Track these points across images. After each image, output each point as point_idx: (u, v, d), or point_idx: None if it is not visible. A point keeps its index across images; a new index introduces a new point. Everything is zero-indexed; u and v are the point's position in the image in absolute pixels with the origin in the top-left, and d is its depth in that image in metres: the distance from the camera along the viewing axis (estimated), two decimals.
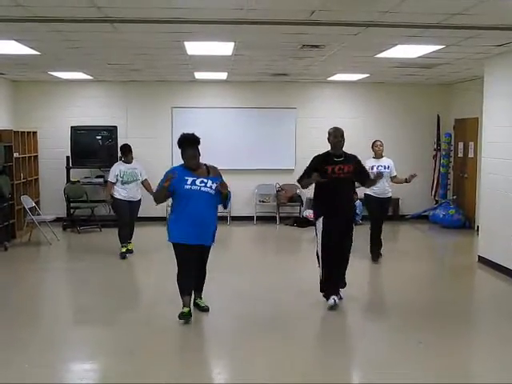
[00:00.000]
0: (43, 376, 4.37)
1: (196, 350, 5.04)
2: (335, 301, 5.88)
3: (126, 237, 8.44)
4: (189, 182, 5.30)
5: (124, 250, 8.35)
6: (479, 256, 8.23)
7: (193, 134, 5.39)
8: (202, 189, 5.31)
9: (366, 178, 6.28)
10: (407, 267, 7.85)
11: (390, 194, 8.25)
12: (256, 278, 7.36)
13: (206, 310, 5.78)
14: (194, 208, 5.29)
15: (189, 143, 5.35)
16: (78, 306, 6.44)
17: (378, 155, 8.24)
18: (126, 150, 8.48)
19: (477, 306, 6.67)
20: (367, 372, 4.60)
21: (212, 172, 5.47)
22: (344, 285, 6.17)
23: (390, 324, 5.66)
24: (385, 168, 8.06)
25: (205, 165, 5.49)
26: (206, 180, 5.35)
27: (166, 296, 6.16)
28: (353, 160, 6.05)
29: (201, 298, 5.87)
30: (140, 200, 8.52)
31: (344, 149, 6.03)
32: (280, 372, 4.44)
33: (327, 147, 6.05)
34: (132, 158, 8.49)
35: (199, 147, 5.40)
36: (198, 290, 5.84)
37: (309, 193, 11.47)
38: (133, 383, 4.26)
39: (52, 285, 7.43)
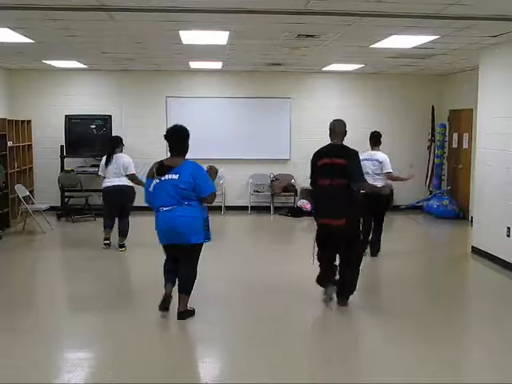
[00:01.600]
0: (38, 364, 4.38)
1: (191, 339, 5.07)
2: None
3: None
4: None
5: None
6: (473, 246, 8.27)
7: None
8: None
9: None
10: (401, 257, 7.88)
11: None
12: (250, 267, 7.37)
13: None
14: None
15: None
16: (73, 295, 6.44)
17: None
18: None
19: (471, 296, 6.72)
20: (362, 367, 4.62)
21: None
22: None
23: (384, 316, 5.65)
24: None
25: None
26: None
27: (161, 284, 6.16)
28: None
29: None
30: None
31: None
32: (275, 369, 4.41)
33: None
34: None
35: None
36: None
37: (303, 183, 11.64)
38: (127, 371, 4.28)
39: (46, 273, 7.43)
